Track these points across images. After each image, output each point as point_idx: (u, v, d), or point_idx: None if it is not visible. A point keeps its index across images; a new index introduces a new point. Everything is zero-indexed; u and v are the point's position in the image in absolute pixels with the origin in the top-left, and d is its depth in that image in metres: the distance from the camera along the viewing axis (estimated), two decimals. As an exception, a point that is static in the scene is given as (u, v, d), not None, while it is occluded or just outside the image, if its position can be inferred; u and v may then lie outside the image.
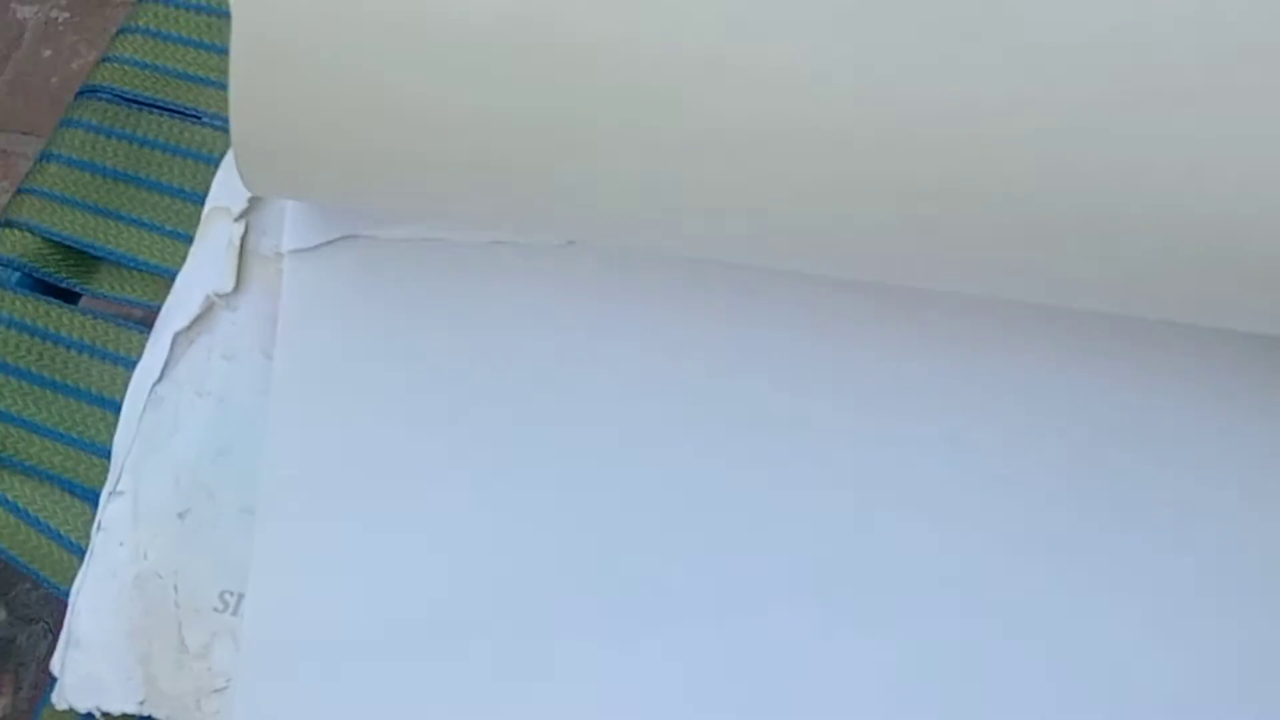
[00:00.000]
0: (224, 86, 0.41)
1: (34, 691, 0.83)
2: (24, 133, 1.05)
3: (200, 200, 0.38)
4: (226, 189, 0.37)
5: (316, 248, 0.34)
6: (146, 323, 0.37)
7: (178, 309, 0.35)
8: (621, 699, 0.29)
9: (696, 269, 0.32)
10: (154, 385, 0.34)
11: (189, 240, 0.38)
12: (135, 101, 0.41)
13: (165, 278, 0.38)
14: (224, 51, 0.41)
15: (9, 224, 0.40)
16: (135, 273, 0.39)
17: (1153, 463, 0.30)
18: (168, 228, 0.39)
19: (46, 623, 0.83)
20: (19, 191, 0.40)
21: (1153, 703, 0.28)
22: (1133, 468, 0.30)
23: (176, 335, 0.35)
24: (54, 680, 0.33)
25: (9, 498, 0.36)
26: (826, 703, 0.29)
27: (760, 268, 0.31)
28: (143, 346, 0.36)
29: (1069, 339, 0.32)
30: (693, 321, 0.32)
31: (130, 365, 0.36)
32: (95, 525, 0.33)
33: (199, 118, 0.41)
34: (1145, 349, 0.31)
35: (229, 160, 0.38)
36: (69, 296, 0.39)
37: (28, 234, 0.39)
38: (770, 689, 0.29)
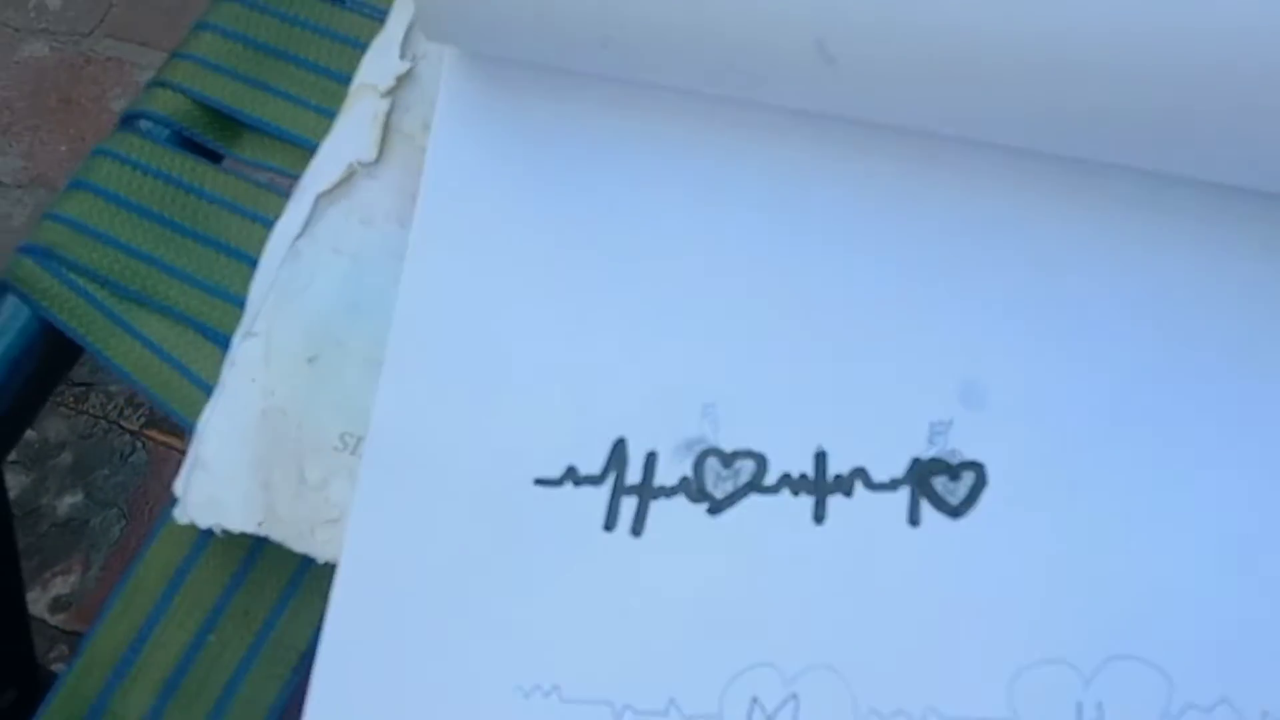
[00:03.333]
0: (374, -23, 0.43)
1: (103, 573, 0.86)
2: (140, 44, 1.09)
3: (344, 80, 0.40)
4: (375, 67, 0.39)
5: (465, 120, 0.35)
6: (284, 188, 0.39)
7: (321, 172, 0.37)
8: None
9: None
10: (294, 240, 0.36)
11: (331, 115, 0.40)
12: (289, -18, 0.43)
13: (305, 148, 0.40)
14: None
15: (163, 84, 0.42)
16: (277, 141, 0.41)
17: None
18: (312, 102, 0.41)
19: (120, 508, 0.86)
20: (174, 56, 0.43)
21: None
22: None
23: (319, 196, 0.37)
24: (174, 500, 0.35)
25: (145, 334, 0.38)
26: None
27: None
28: (280, 208, 0.38)
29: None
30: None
31: (267, 224, 0.38)
32: (228, 362, 0.35)
33: (346, 3, 0.43)
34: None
35: (378, 41, 0.40)
36: (214, 157, 0.41)
37: (180, 95, 0.42)
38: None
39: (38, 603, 0.86)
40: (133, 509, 0.85)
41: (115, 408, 0.91)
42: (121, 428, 0.90)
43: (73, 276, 0.38)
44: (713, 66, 0.31)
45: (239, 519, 0.33)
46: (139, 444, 0.88)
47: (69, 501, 0.88)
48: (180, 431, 0.87)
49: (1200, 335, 0.31)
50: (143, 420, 0.88)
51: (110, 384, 0.92)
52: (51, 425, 0.91)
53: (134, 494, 0.86)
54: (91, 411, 0.91)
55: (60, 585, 0.86)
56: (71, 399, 0.92)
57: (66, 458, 0.90)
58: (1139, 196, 0.32)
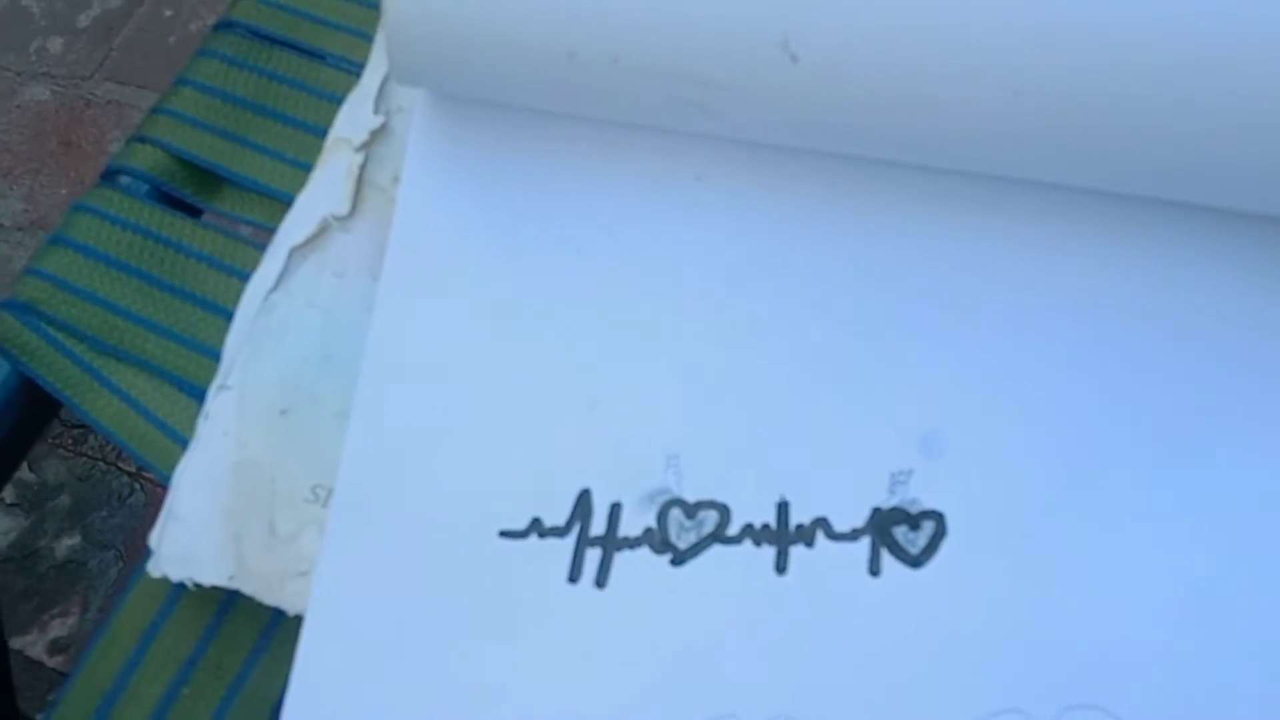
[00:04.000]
0: (350, 30, 0.44)
1: (101, 614, 0.86)
2: (140, 87, 1.10)
3: (321, 134, 0.41)
4: (350, 122, 0.40)
5: (434, 169, 0.36)
6: (261, 241, 0.40)
7: (296, 227, 0.38)
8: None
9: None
10: (269, 294, 0.37)
11: (307, 169, 0.40)
12: (267, 38, 0.44)
13: (282, 202, 0.41)
14: (355, -2, 0.44)
15: (143, 140, 0.42)
16: (255, 195, 0.41)
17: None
18: (289, 156, 0.42)
19: (118, 549, 0.87)
20: (154, 111, 0.43)
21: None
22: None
23: (293, 250, 0.37)
24: (149, 553, 0.35)
25: (123, 388, 0.38)
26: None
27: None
28: (256, 262, 0.39)
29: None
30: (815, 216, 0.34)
31: (243, 277, 0.39)
32: (202, 415, 0.36)
33: (324, 58, 0.44)
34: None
35: (353, 96, 0.40)
36: (192, 211, 0.42)
37: (159, 150, 0.42)
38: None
39: (36, 645, 0.86)
40: (130, 550, 0.86)
41: (113, 449, 0.91)
42: (119, 469, 0.90)
43: (52, 331, 0.39)
44: (679, 83, 0.31)
45: (210, 572, 0.34)
46: (137, 486, 0.88)
47: (67, 543, 0.89)
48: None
49: (1158, 385, 0.32)
50: (140, 462, 0.89)
51: (108, 426, 0.93)
52: (50, 467, 0.92)
53: (132, 535, 0.86)
54: (89, 453, 0.92)
55: (59, 627, 0.87)
56: (70, 440, 0.93)
57: (64, 499, 0.90)
58: (1104, 238, 0.33)
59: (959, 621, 0.30)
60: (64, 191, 1.06)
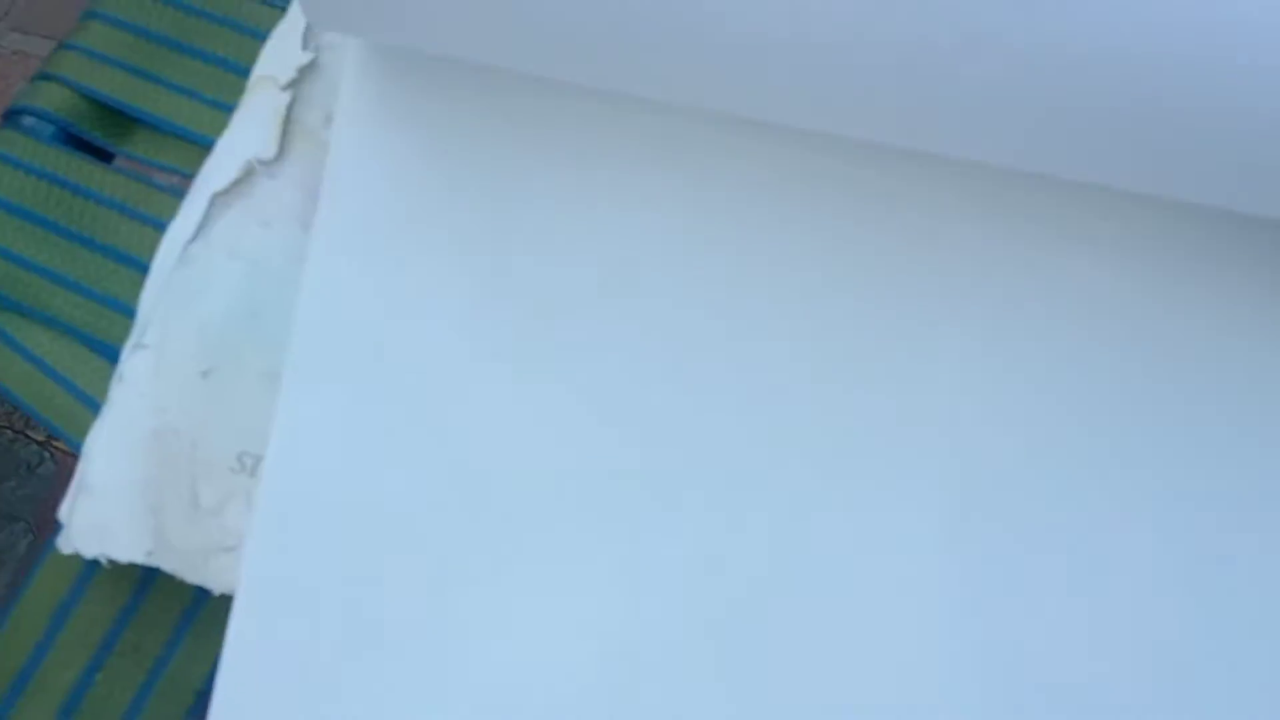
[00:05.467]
0: (276, -37, 0.40)
1: (9, 590, 0.82)
2: (46, 37, 1.05)
3: (243, 73, 0.38)
4: (275, 59, 0.36)
5: (370, 113, 0.33)
6: (178, 188, 0.37)
7: (217, 171, 0.35)
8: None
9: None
10: (188, 244, 0.34)
11: (227, 110, 0.37)
12: (185, -30, 0.41)
13: (200, 145, 0.37)
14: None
15: (48, 77, 0.39)
16: (170, 138, 0.38)
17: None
18: (208, 96, 0.39)
19: (27, 521, 0.83)
20: (61, 46, 0.40)
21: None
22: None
23: (214, 196, 0.34)
24: (59, 527, 0.32)
25: (28, 347, 0.35)
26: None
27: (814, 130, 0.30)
28: (173, 210, 0.36)
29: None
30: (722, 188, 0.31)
31: (159, 226, 0.36)
32: (116, 376, 0.33)
33: (247, -8, 0.40)
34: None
35: (279, 30, 0.37)
36: (103, 155, 0.38)
37: (66, 89, 0.39)
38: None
39: (-59, 622, 0.82)
40: (40, 523, 0.82)
41: (21, 415, 0.87)
42: (28, 437, 0.86)
43: (-52, 285, 0.36)
44: (636, 28, 0.28)
45: (126, 548, 0.31)
46: (46, 454, 0.84)
47: (-28, 515, 0.85)
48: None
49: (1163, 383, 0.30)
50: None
51: (16, 392, 0.88)
52: (-46, 436, 0.87)
53: (42, 507, 0.82)
54: (-4, 421, 0.87)
55: (-35, 603, 0.83)
56: (-26, 409, 0.88)
57: (-31, 469, 0.86)
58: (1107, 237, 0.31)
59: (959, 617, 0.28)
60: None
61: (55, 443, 0.84)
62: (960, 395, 0.30)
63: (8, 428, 0.87)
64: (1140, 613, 0.28)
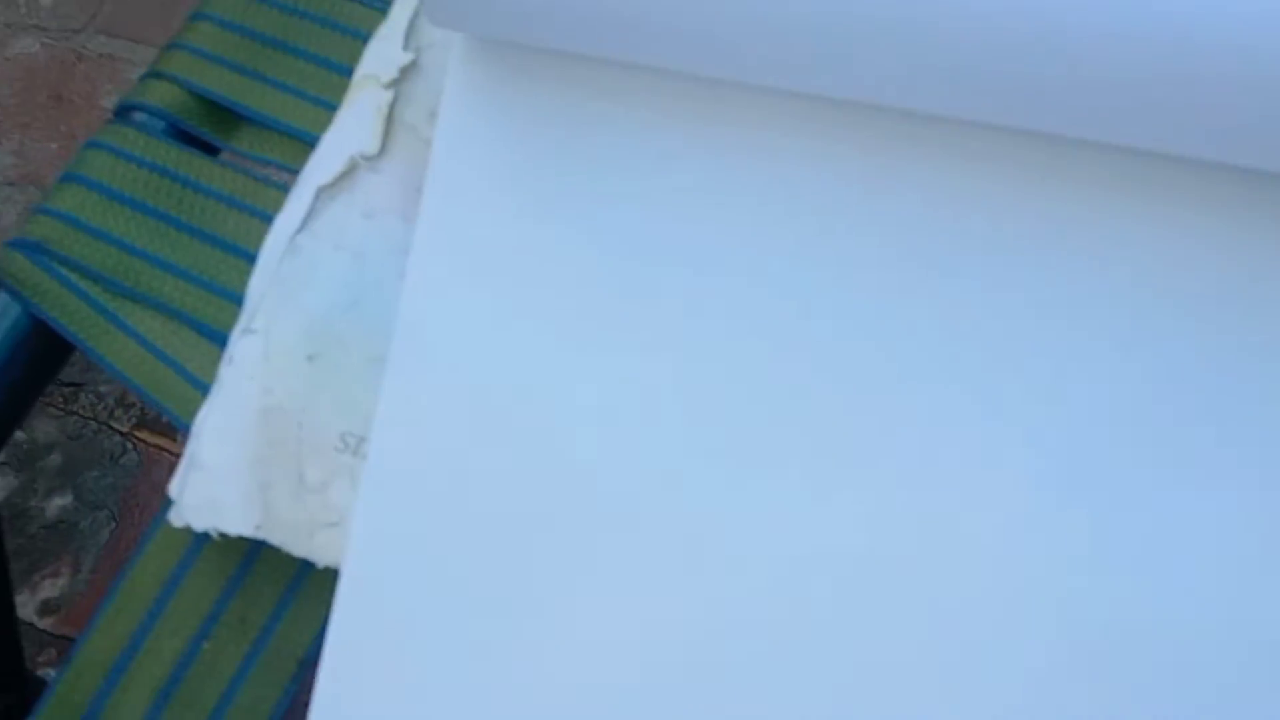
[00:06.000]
0: (376, -33, 0.42)
1: (93, 575, 0.85)
2: (132, 40, 1.07)
3: (345, 72, 0.39)
4: (377, 58, 0.38)
5: (473, 111, 0.34)
6: (281, 182, 0.38)
7: (322, 165, 0.36)
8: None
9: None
10: (294, 234, 0.35)
11: (330, 108, 0.39)
12: (288, -27, 0.42)
13: (303, 142, 0.39)
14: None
15: (158, 75, 0.41)
16: (275, 134, 0.40)
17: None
18: (311, 94, 0.40)
19: (110, 510, 0.85)
20: (170, 46, 0.41)
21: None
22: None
23: (320, 189, 0.36)
24: (167, 503, 0.34)
25: (139, 331, 0.37)
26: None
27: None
28: (278, 203, 0.37)
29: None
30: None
31: (265, 218, 0.37)
32: (226, 359, 0.34)
33: (349, -5, 0.42)
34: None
35: (381, 32, 0.38)
36: (210, 150, 0.40)
37: (176, 86, 0.40)
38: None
39: (26, 606, 0.84)
40: (123, 511, 0.84)
41: (105, 408, 0.89)
42: (112, 429, 0.88)
43: (64, 272, 0.37)
44: (738, 24, 0.29)
45: (236, 521, 0.32)
46: (129, 445, 0.87)
47: (58, 503, 0.87)
48: (172, 433, 0.86)
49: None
50: (134, 421, 0.87)
51: (101, 384, 0.91)
52: (40, 426, 0.90)
53: (124, 496, 0.84)
54: (81, 412, 0.90)
55: (49, 589, 0.85)
56: (61, 399, 0.91)
57: (56, 459, 0.89)
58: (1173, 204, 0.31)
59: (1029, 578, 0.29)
60: (54, 146, 1.04)
61: (137, 435, 0.87)
62: (1054, 366, 0.30)
63: (92, 419, 0.89)
64: (1227, 580, 0.29)
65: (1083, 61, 0.27)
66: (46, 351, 0.38)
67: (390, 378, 0.32)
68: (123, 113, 0.40)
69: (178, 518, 0.33)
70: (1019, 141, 0.31)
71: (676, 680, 0.29)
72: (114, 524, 0.84)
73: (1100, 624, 0.29)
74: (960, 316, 0.31)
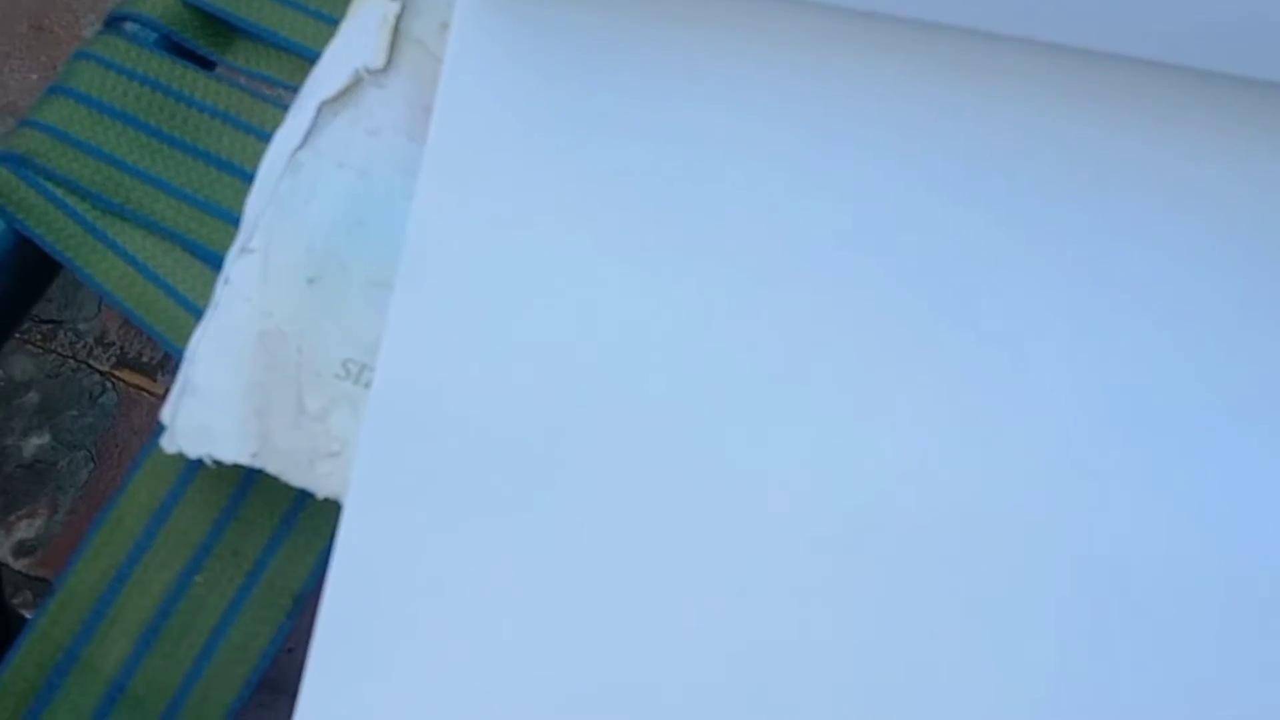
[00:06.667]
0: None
1: (70, 517, 0.83)
2: (115, -30, 1.04)
3: (347, -15, 0.37)
4: (384, -32, 0.36)
5: (486, 25, 0.32)
6: (280, 99, 0.37)
7: (325, 79, 0.34)
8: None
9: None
10: (295, 151, 0.34)
11: (331, 22, 0.37)
12: (288, -118, 0.40)
13: (302, 57, 0.37)
14: None
15: (151, -16, 0.39)
16: (272, 49, 0.38)
17: None
18: (310, 7, 0.38)
19: (88, 450, 0.83)
20: (164, -46, 0.39)
21: None
22: None
23: (322, 104, 0.34)
24: (156, 433, 0.32)
25: (129, 250, 0.35)
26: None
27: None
28: (275, 120, 0.35)
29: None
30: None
31: (262, 136, 0.36)
32: (222, 279, 0.32)
33: (352, -94, 0.40)
34: None
35: (387, -58, 0.37)
36: (205, 64, 0.38)
37: (169, -5, 0.38)
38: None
39: (1, 546, 0.82)
40: (101, 452, 0.82)
41: (84, 346, 0.87)
42: (91, 367, 0.86)
43: (51, 187, 0.35)
44: None
45: (232, 449, 0.31)
46: (109, 384, 0.85)
47: (35, 443, 0.85)
48: (152, 373, 0.84)
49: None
50: (113, 360, 0.85)
51: (80, 322, 0.88)
52: (17, 363, 0.88)
53: (103, 436, 0.82)
54: (59, 350, 0.88)
55: (25, 529, 0.83)
56: (39, 336, 0.89)
57: (33, 397, 0.86)
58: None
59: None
60: (34, 77, 1.01)
61: (117, 373, 0.85)
62: (1091, 306, 0.29)
63: (70, 357, 0.87)
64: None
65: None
66: (32, 269, 0.36)
67: (397, 303, 0.31)
68: (113, 23, 0.38)
69: (170, 443, 0.31)
70: (1059, 58, 0.30)
71: (693, 616, 0.28)
72: (92, 465, 0.82)
73: (1129, 582, 0.28)
74: (999, 253, 0.29)
